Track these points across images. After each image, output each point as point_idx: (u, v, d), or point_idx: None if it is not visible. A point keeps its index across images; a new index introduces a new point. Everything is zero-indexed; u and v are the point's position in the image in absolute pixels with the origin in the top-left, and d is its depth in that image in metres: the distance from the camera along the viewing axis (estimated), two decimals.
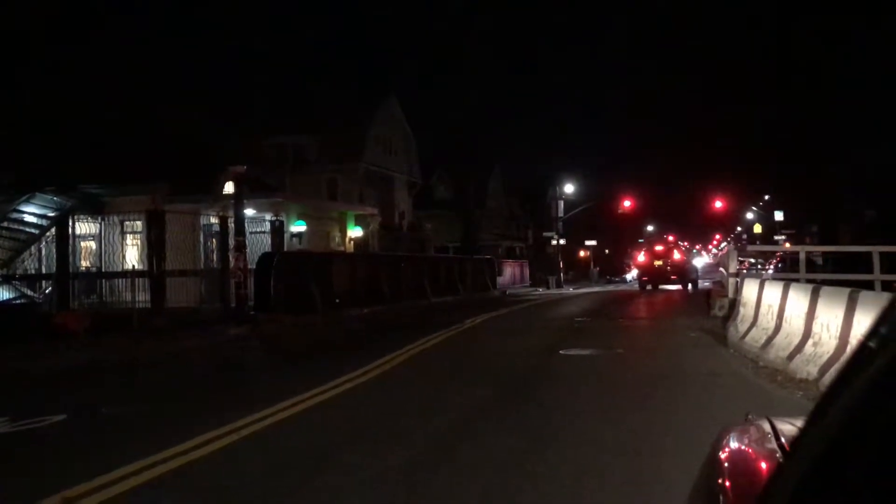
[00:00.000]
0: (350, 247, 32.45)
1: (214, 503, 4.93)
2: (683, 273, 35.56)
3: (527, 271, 49.35)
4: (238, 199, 18.93)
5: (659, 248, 37.34)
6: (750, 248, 37.42)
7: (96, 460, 5.82)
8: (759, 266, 39.88)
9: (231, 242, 18.94)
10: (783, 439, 1.63)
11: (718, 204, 53.97)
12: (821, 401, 0.99)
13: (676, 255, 36.76)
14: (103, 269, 21.16)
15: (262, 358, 13.49)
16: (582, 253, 61.83)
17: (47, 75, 28.69)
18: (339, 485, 5.19)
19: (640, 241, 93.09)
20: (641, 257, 37.17)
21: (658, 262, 35.46)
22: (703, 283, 33.78)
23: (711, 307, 17.35)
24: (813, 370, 8.39)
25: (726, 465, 1.64)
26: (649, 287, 35.04)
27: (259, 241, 22.42)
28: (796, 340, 9.41)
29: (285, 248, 23.30)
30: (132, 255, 22.05)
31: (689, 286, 34.28)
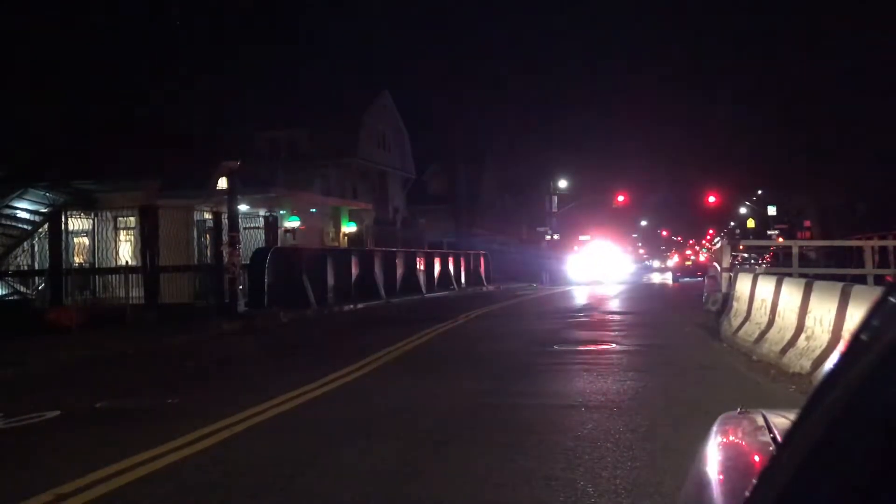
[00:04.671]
0: (344, 242, 32.41)
1: (207, 499, 4.92)
2: (705, 270, 40.26)
3: (521, 266, 49.36)
4: (231, 195, 18.89)
5: (688, 252, 57.25)
6: (743, 242, 37.80)
7: (90, 457, 5.82)
8: (753, 261, 40.23)
9: (225, 238, 18.90)
10: (776, 433, 1.64)
11: (712, 199, 54.15)
12: (813, 394, 0.99)
13: (702, 258, 51.93)
14: (96, 265, 21.08)
15: (255, 353, 13.47)
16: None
17: (37, 70, 28.52)
18: (333, 479, 5.19)
19: (634, 235, 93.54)
20: (675, 259, 54.70)
21: (688, 263, 52.33)
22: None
23: (705, 302, 17.40)
24: (806, 364, 8.42)
25: (719, 458, 1.64)
26: (681, 279, 45.76)
27: (253, 237, 22.39)
28: (789, 335, 9.45)
29: (279, 244, 23.28)
30: (125, 251, 21.97)
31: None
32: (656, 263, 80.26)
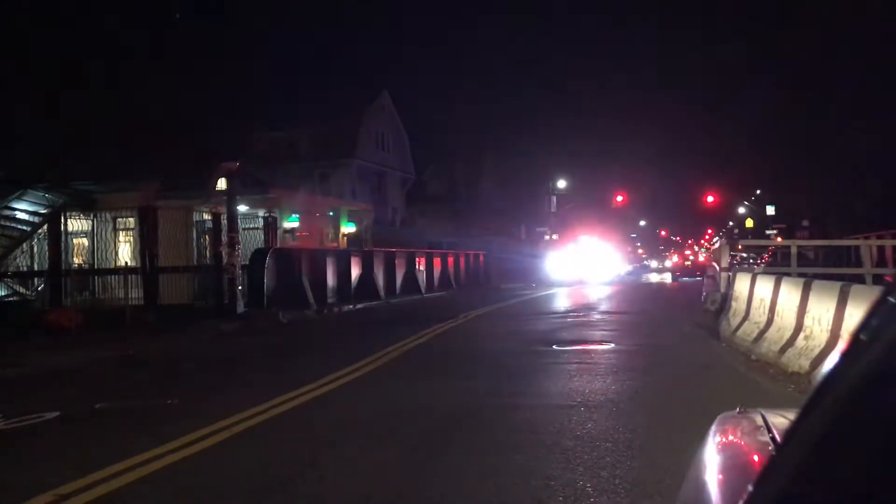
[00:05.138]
0: (343, 242, 32.40)
1: (206, 499, 4.92)
2: (703, 269, 40.32)
3: (519, 266, 49.37)
4: (231, 196, 18.90)
5: (688, 252, 62.38)
6: (742, 242, 37.82)
7: (89, 457, 5.82)
8: (752, 261, 40.34)
9: (224, 238, 18.91)
10: (775, 432, 1.64)
11: (710, 199, 54.33)
12: (813, 393, 0.99)
13: (700, 258, 52.44)
14: (96, 266, 21.08)
15: (254, 354, 13.47)
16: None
17: (36, 70, 28.53)
18: (333, 480, 5.19)
19: (633, 235, 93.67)
20: (675, 258, 56.94)
21: (687, 263, 53.91)
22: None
23: (704, 301, 17.40)
24: (805, 363, 8.43)
25: (719, 457, 1.64)
26: (681, 279, 46.47)
27: (252, 237, 22.38)
28: (788, 334, 9.45)
29: (278, 244, 23.27)
30: (125, 252, 21.97)
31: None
32: (654, 263, 79.76)
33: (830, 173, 42.12)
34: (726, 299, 13.97)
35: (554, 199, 51.92)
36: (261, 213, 24.11)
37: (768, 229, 57.30)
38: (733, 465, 1.60)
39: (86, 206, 21.73)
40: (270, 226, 23.19)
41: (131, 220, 21.02)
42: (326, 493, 4.94)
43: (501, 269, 42.16)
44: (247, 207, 23.36)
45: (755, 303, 11.58)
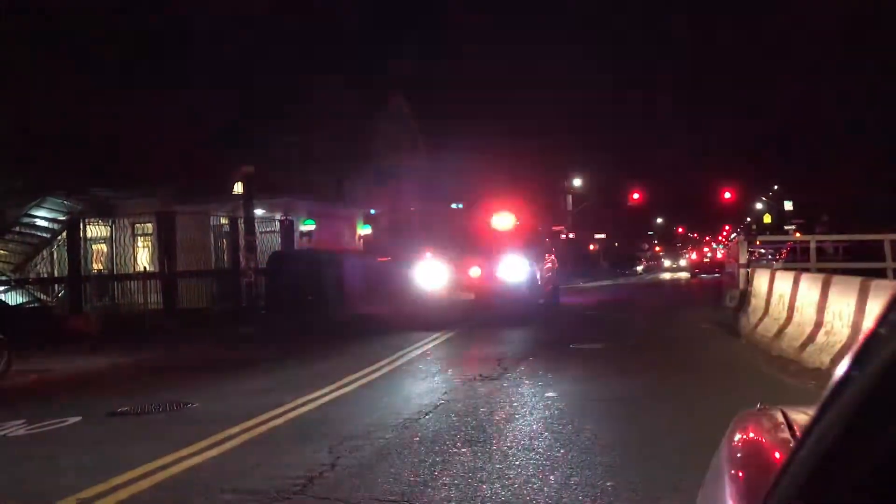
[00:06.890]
0: (360, 245, 32.48)
1: (226, 501, 4.94)
2: (722, 266, 40.13)
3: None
4: (247, 200, 19.03)
5: (706, 249, 63.71)
6: (760, 238, 37.54)
7: (112, 461, 5.87)
8: (770, 256, 40.02)
9: (241, 242, 19.03)
10: (796, 429, 1.63)
11: (728, 195, 53.92)
12: (831, 388, 0.99)
13: (719, 255, 52.60)
14: (115, 272, 21.28)
15: (272, 357, 13.51)
16: (591, 246, 61.69)
17: (53, 77, 28.77)
18: (352, 481, 5.21)
19: (651, 233, 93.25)
20: (693, 255, 59.30)
21: (705, 259, 54.62)
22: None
23: (723, 298, 17.29)
24: (825, 359, 8.36)
25: (739, 454, 1.63)
26: (700, 275, 47.26)
27: (269, 241, 22.52)
28: (808, 330, 9.37)
29: (295, 248, 23.39)
30: (143, 257, 22.17)
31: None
32: (667, 262, 77.29)
33: (849, 166, 41.77)
34: (745, 296, 13.88)
35: (569, 197, 51.75)
36: (277, 216, 24.26)
37: (787, 224, 56.81)
38: (754, 463, 1.58)
39: (104, 213, 21.96)
40: (287, 229, 23.31)
41: (149, 225, 21.23)
42: (344, 493, 4.95)
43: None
44: (263, 211, 23.51)
45: (774, 299, 11.49)
